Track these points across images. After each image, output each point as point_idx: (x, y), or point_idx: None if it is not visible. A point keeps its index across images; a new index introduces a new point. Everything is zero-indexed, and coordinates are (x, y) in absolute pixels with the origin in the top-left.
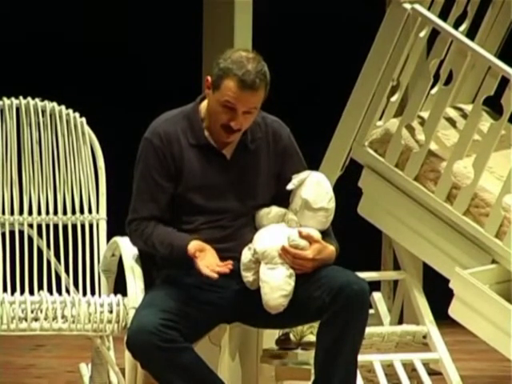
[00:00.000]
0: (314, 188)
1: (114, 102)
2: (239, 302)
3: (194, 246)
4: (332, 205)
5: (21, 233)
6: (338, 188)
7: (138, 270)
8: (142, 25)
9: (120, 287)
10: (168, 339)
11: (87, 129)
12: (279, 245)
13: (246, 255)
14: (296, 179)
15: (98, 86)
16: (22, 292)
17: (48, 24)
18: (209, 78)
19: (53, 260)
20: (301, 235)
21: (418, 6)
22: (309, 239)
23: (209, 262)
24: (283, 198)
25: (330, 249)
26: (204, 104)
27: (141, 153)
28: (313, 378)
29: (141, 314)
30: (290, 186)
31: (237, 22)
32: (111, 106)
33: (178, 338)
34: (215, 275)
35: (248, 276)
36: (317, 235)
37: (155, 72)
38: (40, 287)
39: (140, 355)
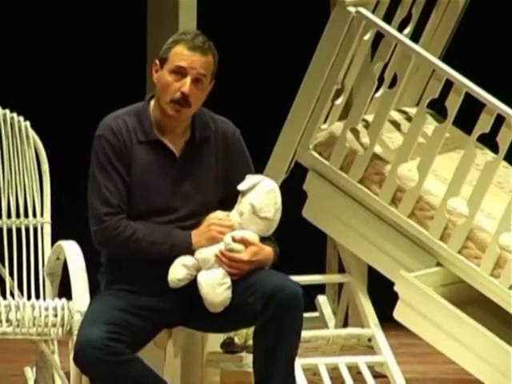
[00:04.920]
0: (264, 196)
1: (58, 104)
2: (179, 306)
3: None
4: (277, 217)
5: None
6: (283, 191)
7: (83, 274)
8: (81, 26)
9: (65, 291)
10: (115, 352)
11: (31, 132)
12: (216, 250)
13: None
14: (248, 181)
15: (41, 89)
16: None
17: None
18: (156, 61)
19: None
20: (235, 239)
21: (362, 9)
22: (244, 242)
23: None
24: (230, 199)
25: (267, 250)
26: (153, 102)
27: (96, 149)
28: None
29: (86, 328)
30: (240, 187)
31: (181, 26)
32: (55, 108)
33: (124, 350)
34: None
35: (180, 273)
36: (252, 238)
37: (98, 75)
38: None
39: (88, 371)
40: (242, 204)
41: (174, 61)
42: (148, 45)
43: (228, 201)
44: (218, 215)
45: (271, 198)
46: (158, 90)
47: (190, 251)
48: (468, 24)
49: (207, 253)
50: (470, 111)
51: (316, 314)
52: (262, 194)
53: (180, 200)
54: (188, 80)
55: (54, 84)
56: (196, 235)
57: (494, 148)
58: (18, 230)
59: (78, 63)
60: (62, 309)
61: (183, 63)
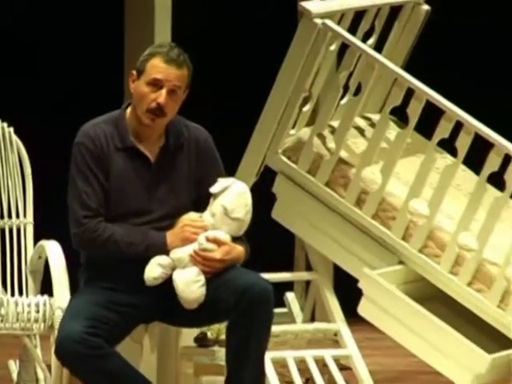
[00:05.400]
0: (235, 198)
1: (41, 111)
2: (155, 303)
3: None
4: (248, 217)
5: None
6: (253, 193)
7: (64, 272)
8: (64, 32)
9: (46, 288)
10: (94, 346)
11: (15, 138)
12: (190, 250)
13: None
14: (220, 184)
15: (25, 97)
16: None
17: None
18: (133, 71)
19: None
20: (208, 239)
21: (328, 21)
22: (217, 242)
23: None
24: (203, 201)
25: (239, 249)
26: (129, 110)
27: (75, 156)
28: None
29: (66, 323)
30: (213, 189)
31: (157, 38)
32: (38, 115)
33: (102, 344)
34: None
35: (155, 272)
36: (224, 237)
37: (78, 83)
38: None
39: (69, 364)
40: (215, 206)
41: (151, 73)
42: (125, 56)
43: (201, 203)
44: (191, 217)
45: (242, 200)
46: (135, 99)
47: (165, 251)
48: (429, 34)
49: (182, 252)
50: (431, 118)
51: (285, 309)
52: (233, 196)
53: (155, 203)
54: (164, 91)
55: (38, 92)
56: (170, 236)
57: (453, 152)
58: (2, 231)
59: (59, 71)
60: (44, 305)
61: (159, 76)
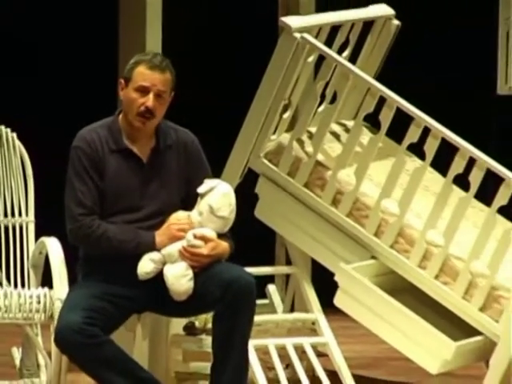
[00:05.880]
0: (221, 198)
1: (42, 116)
2: (147, 295)
3: (160, 239)
4: (232, 215)
5: None
6: (238, 193)
7: (63, 266)
8: (64, 32)
9: (47, 281)
10: (90, 335)
11: (17, 142)
12: (179, 246)
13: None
14: (207, 185)
15: (26, 105)
16: None
17: None
18: (121, 79)
19: None
20: (195, 237)
21: (306, 35)
22: (203, 239)
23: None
24: (191, 200)
25: (224, 245)
26: (121, 116)
27: (73, 159)
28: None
29: (65, 314)
30: (200, 189)
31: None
32: (39, 121)
33: (98, 332)
34: (182, 233)
35: (147, 267)
36: (210, 234)
37: (78, 81)
38: None
39: (67, 351)
40: (201, 205)
41: (138, 80)
42: (120, 67)
43: (189, 201)
44: (178, 216)
45: (227, 200)
46: (125, 105)
47: (154, 249)
48: (400, 46)
49: (171, 249)
50: (401, 124)
51: (266, 301)
52: (218, 196)
53: (147, 199)
54: (151, 96)
55: (38, 92)
56: (159, 235)
57: (422, 156)
58: (6, 228)
59: (59, 71)
60: (45, 297)
61: (145, 82)
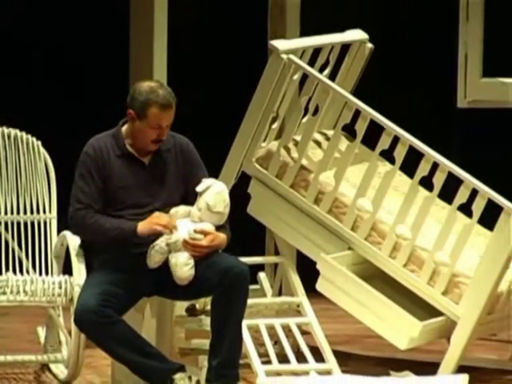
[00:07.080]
0: (216, 195)
1: (65, 126)
2: (155, 281)
3: (142, 224)
4: (227, 210)
5: None
6: (233, 193)
7: (81, 256)
8: (64, 32)
9: (67, 269)
10: (105, 316)
11: (42, 150)
12: (183, 237)
13: (162, 240)
14: (204, 184)
15: (49, 115)
16: None
17: None
18: (131, 111)
19: (16, 248)
20: (196, 231)
21: (292, 56)
22: (203, 232)
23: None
24: (190, 197)
25: (222, 237)
26: (125, 127)
27: (81, 162)
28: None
29: (83, 297)
30: (198, 188)
31: (156, 63)
32: (60, 131)
33: (112, 313)
34: (159, 227)
35: (156, 257)
36: (209, 228)
37: (78, 81)
38: (7, 269)
39: (85, 329)
40: (200, 202)
41: (154, 121)
42: (131, 58)
43: (189, 199)
44: (159, 214)
45: (221, 197)
46: (138, 135)
47: (135, 235)
48: (374, 65)
49: (176, 238)
50: (374, 133)
51: (257, 286)
52: (214, 194)
53: (151, 197)
54: (164, 128)
55: (38, 92)
56: (141, 225)
57: (392, 161)
58: (32, 224)
59: (59, 71)
60: (65, 283)
61: (161, 122)
